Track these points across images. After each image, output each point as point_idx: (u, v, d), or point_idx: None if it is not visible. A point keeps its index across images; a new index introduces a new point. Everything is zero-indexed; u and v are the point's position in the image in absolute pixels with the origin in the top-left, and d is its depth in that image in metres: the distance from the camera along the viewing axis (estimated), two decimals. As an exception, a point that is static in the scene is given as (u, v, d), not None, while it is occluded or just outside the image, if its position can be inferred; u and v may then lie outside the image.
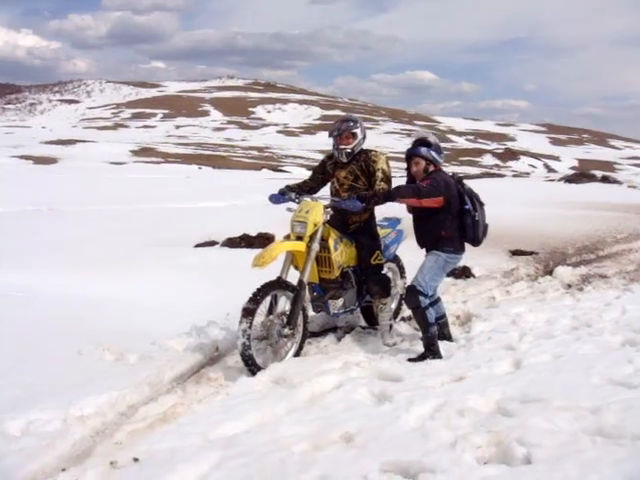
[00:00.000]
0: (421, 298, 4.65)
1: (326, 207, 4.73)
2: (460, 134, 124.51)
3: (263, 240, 8.81)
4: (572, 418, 3.38)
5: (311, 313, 5.00)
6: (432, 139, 4.78)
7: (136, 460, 2.98)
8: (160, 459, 2.99)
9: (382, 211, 5.19)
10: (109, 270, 7.13)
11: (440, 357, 4.62)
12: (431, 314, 4.72)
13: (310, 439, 3.19)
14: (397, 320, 5.63)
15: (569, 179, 29.10)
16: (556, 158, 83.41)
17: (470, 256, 6.65)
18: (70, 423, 3.28)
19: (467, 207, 4.77)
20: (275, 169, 42.13)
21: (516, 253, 9.16)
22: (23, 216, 12.42)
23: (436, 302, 4.89)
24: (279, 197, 5.03)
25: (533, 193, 20.50)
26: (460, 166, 64.97)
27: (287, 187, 5.11)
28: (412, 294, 4.67)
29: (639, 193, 22.34)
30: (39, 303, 5.65)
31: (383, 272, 5.20)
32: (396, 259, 5.66)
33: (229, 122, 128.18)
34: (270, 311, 4.51)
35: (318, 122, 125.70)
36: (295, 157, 63.99)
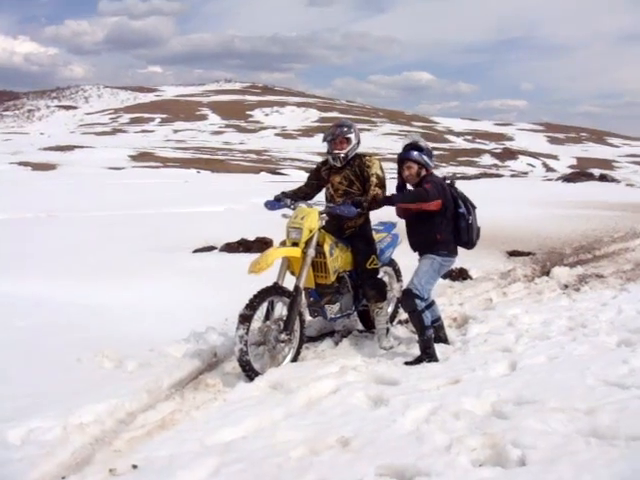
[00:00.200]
0: (417, 301, 4.68)
1: (321, 213, 4.77)
2: (458, 134, 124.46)
3: (261, 245, 8.80)
4: (566, 419, 3.41)
5: (308, 318, 5.03)
6: (423, 143, 4.83)
7: (135, 467, 3.01)
8: (159, 466, 3.02)
9: (377, 215, 5.23)
10: (107, 277, 7.17)
11: (436, 360, 4.66)
12: (427, 317, 4.76)
13: (307, 444, 3.22)
14: (394, 324, 5.66)
15: (567, 178, 29.18)
16: (554, 157, 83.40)
17: (468, 258, 6.68)
18: (70, 431, 3.31)
19: (461, 210, 4.83)
20: (274, 172, 42.17)
21: (513, 254, 9.21)
22: (22, 223, 12.43)
23: (431, 305, 4.93)
24: (274, 203, 5.06)
25: (531, 193, 20.56)
26: (458, 166, 64.95)
27: (282, 193, 5.15)
28: (409, 297, 4.70)
29: (636, 192, 22.43)
30: (38, 311, 5.69)
31: (379, 276, 5.23)
32: (392, 263, 5.70)
33: (227, 125, 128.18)
34: (267, 317, 4.53)
35: (316, 124, 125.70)
36: (293, 160, 63.98)
